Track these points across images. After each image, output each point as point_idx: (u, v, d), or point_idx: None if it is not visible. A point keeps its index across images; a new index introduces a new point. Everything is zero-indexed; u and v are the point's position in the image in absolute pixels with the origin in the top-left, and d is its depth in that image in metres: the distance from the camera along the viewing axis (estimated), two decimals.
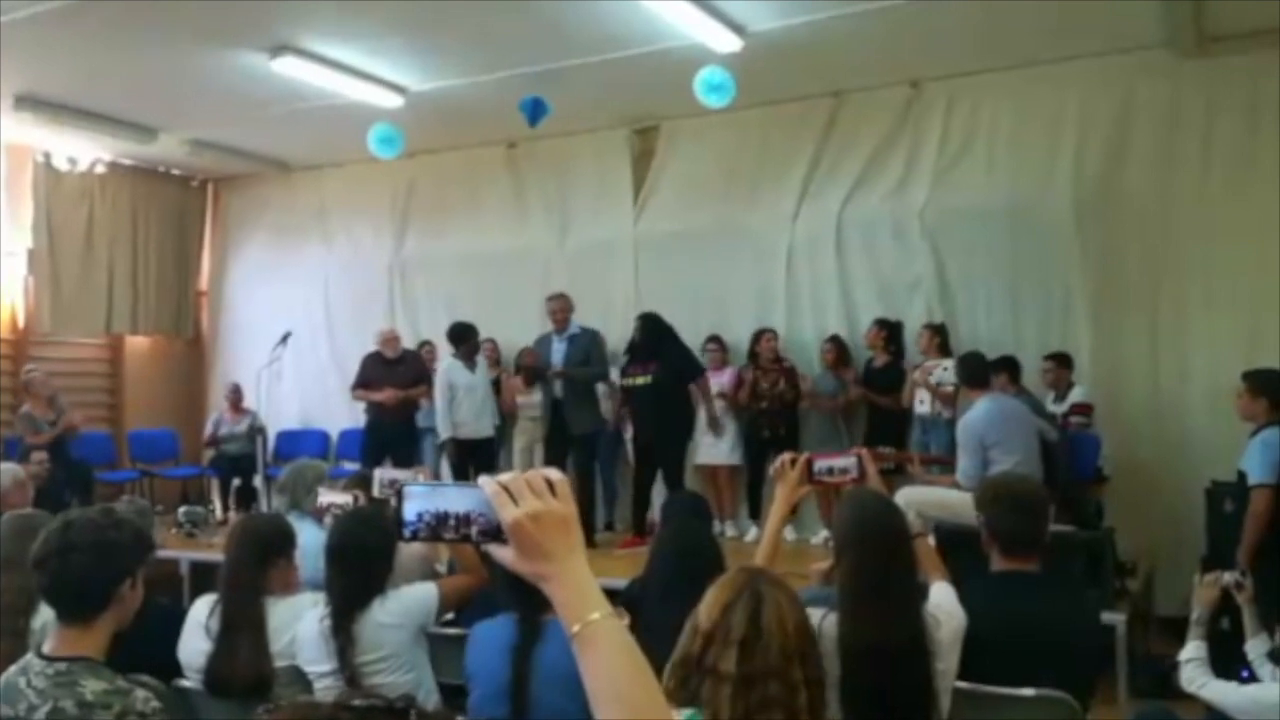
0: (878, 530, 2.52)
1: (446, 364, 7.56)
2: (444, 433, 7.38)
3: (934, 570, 2.79)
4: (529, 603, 2.51)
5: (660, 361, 6.91)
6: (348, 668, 2.81)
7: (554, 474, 1.16)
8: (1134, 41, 6.56)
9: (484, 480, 1.14)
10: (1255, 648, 3.35)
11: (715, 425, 7.30)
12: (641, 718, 1.10)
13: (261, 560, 2.96)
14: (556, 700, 2.39)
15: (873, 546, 2.49)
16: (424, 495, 1.17)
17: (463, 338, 7.50)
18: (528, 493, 1.12)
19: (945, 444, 6.41)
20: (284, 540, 3.06)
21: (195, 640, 2.92)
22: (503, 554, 1.14)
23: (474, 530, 1.15)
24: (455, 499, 1.16)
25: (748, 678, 1.67)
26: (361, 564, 2.91)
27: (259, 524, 3.18)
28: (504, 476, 1.14)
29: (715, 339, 7.60)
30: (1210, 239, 6.51)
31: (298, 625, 2.93)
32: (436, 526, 1.16)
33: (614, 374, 7.44)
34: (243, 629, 2.85)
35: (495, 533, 1.14)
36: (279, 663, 2.88)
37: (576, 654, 1.11)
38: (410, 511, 1.16)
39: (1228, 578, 3.53)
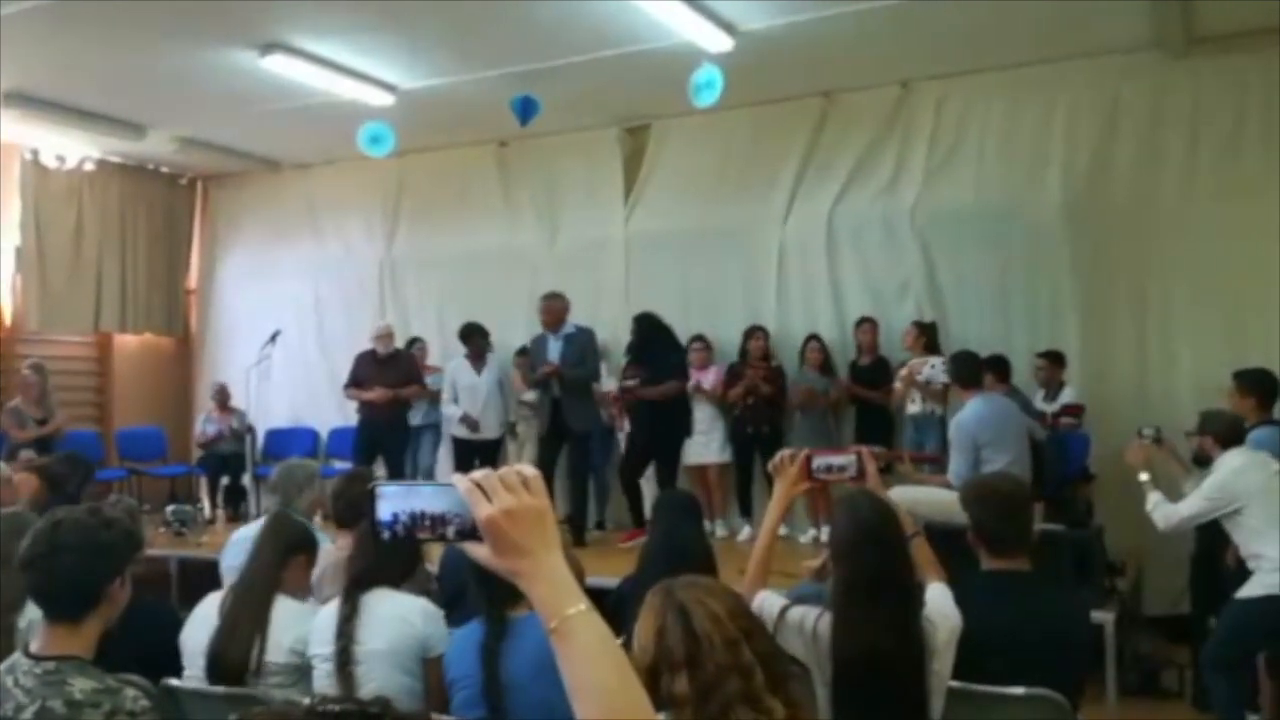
0: (874, 538, 2.50)
1: (454, 363, 7.76)
2: (451, 430, 7.63)
3: (931, 570, 2.79)
4: (495, 598, 2.57)
5: (653, 363, 6.93)
6: (344, 639, 2.82)
7: (528, 469, 1.15)
8: (1122, 43, 6.59)
9: (457, 478, 1.13)
10: (1189, 485, 4.47)
11: None
12: (621, 710, 1.09)
13: (284, 554, 3.10)
14: (539, 691, 2.40)
15: (869, 554, 2.48)
16: (398, 495, 1.16)
17: (466, 338, 7.60)
18: (501, 489, 1.11)
19: (939, 442, 6.42)
20: (308, 541, 3.26)
21: (207, 625, 3.00)
22: (479, 551, 1.13)
23: (450, 530, 1.14)
24: (430, 498, 1.15)
25: (703, 689, 1.67)
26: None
27: (289, 521, 3.35)
28: (477, 474, 1.13)
29: (700, 338, 7.57)
30: (1197, 239, 6.54)
31: (304, 625, 2.97)
32: (412, 527, 1.15)
33: (604, 373, 7.45)
34: (248, 612, 2.96)
35: (471, 531, 1.13)
36: (276, 657, 2.91)
37: (555, 649, 1.10)
38: (385, 512, 1.15)
39: (1147, 433, 4.76)
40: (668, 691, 1.68)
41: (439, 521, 1.15)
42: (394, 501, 1.15)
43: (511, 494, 1.11)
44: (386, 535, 1.16)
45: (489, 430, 7.59)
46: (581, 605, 1.11)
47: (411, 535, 1.16)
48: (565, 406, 7.07)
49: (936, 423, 6.59)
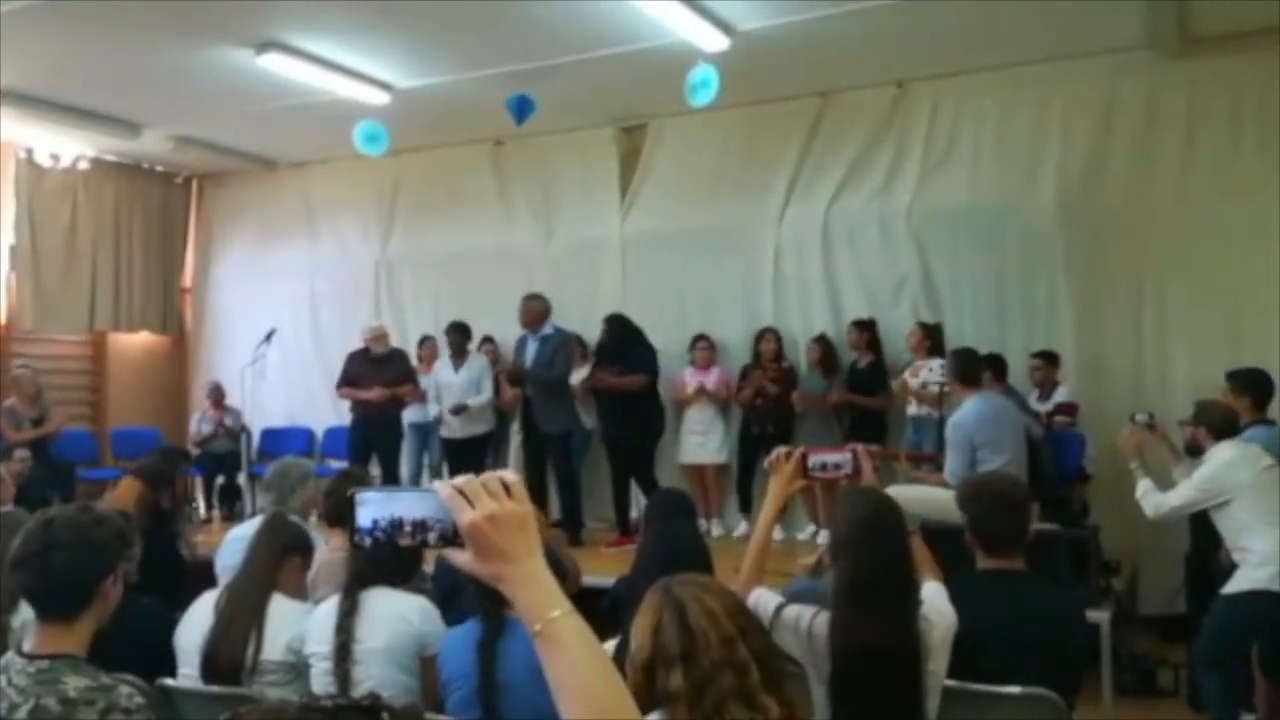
0: (877, 530, 2.51)
1: (439, 360, 7.88)
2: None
3: (926, 569, 2.79)
4: (492, 598, 2.55)
5: (624, 363, 6.93)
6: (343, 635, 2.82)
7: (509, 475, 1.15)
8: (1117, 43, 6.60)
9: (439, 484, 1.13)
10: (1179, 474, 4.55)
11: None
12: (606, 711, 1.10)
13: (279, 555, 3.12)
14: (529, 693, 2.40)
15: (872, 547, 2.48)
16: (378, 501, 1.15)
17: (448, 335, 7.64)
18: (483, 495, 1.12)
19: (937, 443, 6.41)
20: (303, 542, 3.29)
21: (202, 624, 3.01)
22: (460, 557, 1.13)
23: (431, 535, 1.14)
24: (411, 504, 1.15)
25: (698, 685, 1.67)
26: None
27: (286, 523, 3.37)
28: (458, 479, 1.13)
29: (704, 337, 7.60)
30: (1193, 238, 6.55)
31: (300, 624, 2.97)
32: (392, 532, 1.14)
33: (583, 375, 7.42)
34: (244, 611, 2.98)
35: (453, 537, 1.13)
36: (272, 655, 2.92)
37: (539, 652, 1.11)
38: (364, 518, 1.15)
39: (1140, 418, 4.83)
40: (663, 688, 1.69)
41: (420, 527, 1.14)
42: (375, 508, 1.15)
43: (494, 499, 1.12)
44: (367, 542, 1.15)
45: (468, 429, 7.62)
46: (565, 608, 1.12)
47: (392, 541, 1.15)
48: (536, 407, 7.10)
49: (935, 424, 6.58)
